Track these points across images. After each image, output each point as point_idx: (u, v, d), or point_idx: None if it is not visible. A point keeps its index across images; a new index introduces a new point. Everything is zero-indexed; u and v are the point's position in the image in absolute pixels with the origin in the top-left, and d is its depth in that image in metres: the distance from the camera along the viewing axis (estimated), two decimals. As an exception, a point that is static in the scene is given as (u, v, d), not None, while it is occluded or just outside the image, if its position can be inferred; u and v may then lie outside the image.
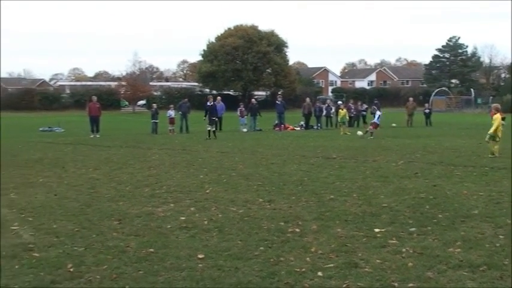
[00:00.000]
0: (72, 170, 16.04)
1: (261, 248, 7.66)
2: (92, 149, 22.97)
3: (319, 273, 6.51)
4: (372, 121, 29.50)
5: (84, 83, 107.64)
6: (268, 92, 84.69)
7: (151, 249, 7.63)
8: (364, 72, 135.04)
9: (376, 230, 8.50)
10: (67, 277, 6.56)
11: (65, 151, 22.30)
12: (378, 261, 6.95)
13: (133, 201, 11.26)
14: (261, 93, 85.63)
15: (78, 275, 6.61)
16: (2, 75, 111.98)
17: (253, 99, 43.28)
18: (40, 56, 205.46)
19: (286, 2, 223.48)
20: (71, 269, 6.81)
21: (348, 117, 35.20)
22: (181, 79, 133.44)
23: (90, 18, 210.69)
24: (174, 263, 7.04)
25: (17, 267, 6.96)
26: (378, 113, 29.47)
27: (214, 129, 29.13)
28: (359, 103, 42.54)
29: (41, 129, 37.23)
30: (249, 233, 8.50)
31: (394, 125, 38.52)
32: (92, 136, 30.23)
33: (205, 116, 29.87)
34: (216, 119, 30.42)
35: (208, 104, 30.67)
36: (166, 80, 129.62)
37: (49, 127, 37.65)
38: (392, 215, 9.51)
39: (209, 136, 28.03)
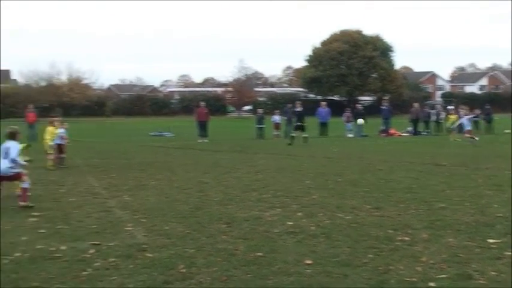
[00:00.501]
0: (181, 174, 16.50)
1: (370, 255, 7.55)
2: (200, 154, 23.55)
3: (431, 284, 6.33)
4: (465, 129, 28.58)
5: (192, 89, 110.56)
6: (374, 97, 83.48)
7: (260, 253, 7.72)
8: (475, 76, 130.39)
9: (490, 240, 8.16)
10: (179, 278, 6.75)
11: (174, 155, 23.01)
12: (493, 273, 6.67)
13: (241, 205, 11.43)
14: (366, 99, 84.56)
15: (189, 276, 6.79)
16: (115, 82, 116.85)
17: (358, 105, 42.81)
18: (151, 62, 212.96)
19: (390, 5, 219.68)
20: (183, 270, 7.01)
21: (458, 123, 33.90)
22: (285, 84, 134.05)
23: (199, 24, 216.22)
24: (281, 268, 7.08)
25: (131, 266, 7.25)
26: (464, 120, 28.57)
27: (295, 135, 28.82)
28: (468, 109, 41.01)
29: (151, 133, 38.55)
30: (357, 240, 8.41)
31: (507, 131, 36.88)
32: (200, 141, 30.96)
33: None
34: (301, 124, 29.86)
35: (296, 109, 30.53)
36: (271, 85, 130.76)
37: (159, 132, 38.92)
38: (507, 226, 9.09)
39: (291, 142, 27.78)
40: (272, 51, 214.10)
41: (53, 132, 18.74)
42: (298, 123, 29.12)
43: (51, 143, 18.57)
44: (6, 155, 11.22)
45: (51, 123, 19.26)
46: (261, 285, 6.45)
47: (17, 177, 11.41)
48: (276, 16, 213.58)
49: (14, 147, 11.35)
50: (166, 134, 37.89)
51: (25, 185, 11.37)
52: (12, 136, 11.60)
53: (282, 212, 10.62)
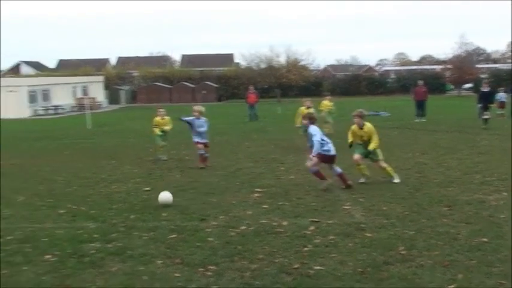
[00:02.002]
0: (399, 154, 16.22)
1: None
2: (418, 134, 22.93)
3: None
4: None
5: (408, 67, 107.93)
6: None
7: (484, 239, 7.34)
8: None
9: None
10: (398, 259, 6.66)
11: (391, 135, 22.64)
12: None
13: (463, 187, 10.96)
14: None
15: (409, 258, 6.67)
16: (331, 63, 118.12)
17: None
18: (367, 42, 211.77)
19: None
20: (403, 252, 6.90)
21: None
22: (510, 60, 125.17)
23: (417, 2, 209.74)
24: (508, 255, 6.66)
25: (350, 245, 7.31)
26: None
27: (487, 117, 26.18)
28: None
29: (367, 113, 38.34)
30: None
31: None
32: (417, 120, 30.16)
33: (478, 103, 27.26)
34: (488, 105, 26.95)
35: (482, 90, 28.05)
36: (494, 61, 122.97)
37: (375, 111, 38.59)
38: None
39: (485, 124, 25.28)
40: (495, 26, 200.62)
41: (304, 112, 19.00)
42: (486, 104, 26.71)
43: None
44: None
45: (304, 104, 19.55)
46: (486, 273, 6.13)
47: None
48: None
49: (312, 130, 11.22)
50: (382, 114, 37.43)
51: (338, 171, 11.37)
52: (312, 120, 11.48)
53: (508, 196, 9.98)
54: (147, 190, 11.70)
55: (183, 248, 7.41)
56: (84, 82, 58.63)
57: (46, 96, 51.50)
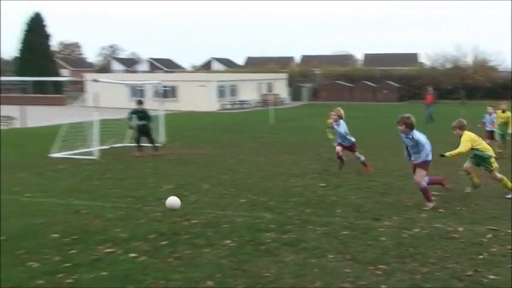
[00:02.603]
0: None
1: None
2: None
3: None
4: None
5: None
6: None
7: None
8: None
9: None
10: None
11: None
12: None
13: None
14: None
15: None
16: None
17: None
18: None
19: None
20: None
21: None
22: None
23: None
24: None
25: None
26: None
27: None
28: None
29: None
30: None
31: None
32: None
33: None
34: None
35: None
36: None
37: None
38: None
39: None
40: None
41: (501, 116, 18.17)
42: None
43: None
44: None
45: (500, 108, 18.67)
46: None
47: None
48: None
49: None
50: None
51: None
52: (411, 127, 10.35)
53: None
54: (322, 186, 12.00)
55: (354, 245, 7.57)
56: (269, 79, 60.70)
57: (233, 91, 54.01)
